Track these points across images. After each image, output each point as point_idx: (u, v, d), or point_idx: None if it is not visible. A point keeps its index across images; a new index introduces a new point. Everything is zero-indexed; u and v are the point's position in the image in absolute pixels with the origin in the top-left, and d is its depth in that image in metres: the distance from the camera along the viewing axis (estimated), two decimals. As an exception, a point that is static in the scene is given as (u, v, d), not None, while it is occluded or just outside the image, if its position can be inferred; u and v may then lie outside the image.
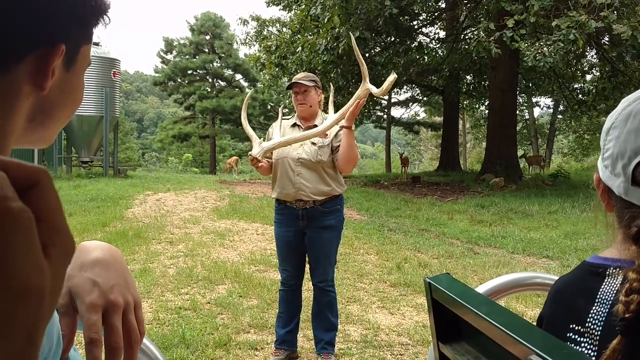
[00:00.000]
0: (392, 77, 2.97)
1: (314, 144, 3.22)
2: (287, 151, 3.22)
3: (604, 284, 0.85)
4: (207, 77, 34.54)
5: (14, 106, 0.59)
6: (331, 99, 3.33)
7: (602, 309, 0.83)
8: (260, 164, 3.12)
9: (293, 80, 3.34)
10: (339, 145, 3.21)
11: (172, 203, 10.20)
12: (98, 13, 0.65)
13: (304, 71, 12.25)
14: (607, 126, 0.88)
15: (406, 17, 14.50)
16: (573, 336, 0.85)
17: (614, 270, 0.84)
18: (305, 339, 3.78)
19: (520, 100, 25.13)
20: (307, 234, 3.29)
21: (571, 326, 0.86)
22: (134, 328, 0.68)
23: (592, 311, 0.84)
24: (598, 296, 0.84)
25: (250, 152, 3.12)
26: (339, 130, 3.20)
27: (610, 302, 0.82)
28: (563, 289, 0.94)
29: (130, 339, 0.67)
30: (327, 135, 3.21)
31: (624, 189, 0.83)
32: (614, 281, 0.84)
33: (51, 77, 0.60)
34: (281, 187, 3.26)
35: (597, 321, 0.83)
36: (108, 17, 0.67)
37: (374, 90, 3.03)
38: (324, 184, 3.24)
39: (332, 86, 3.85)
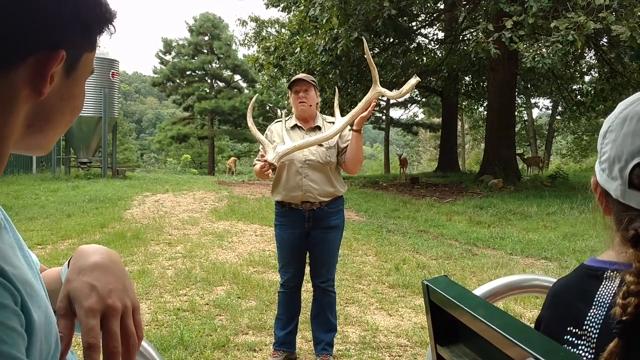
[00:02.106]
0: (415, 80, 2.91)
1: (320, 145, 3.21)
2: (293, 153, 3.19)
3: (602, 286, 0.85)
4: (206, 78, 34.52)
5: (12, 110, 0.59)
6: (336, 102, 3.33)
7: (600, 311, 0.83)
8: (274, 170, 3.06)
9: (295, 78, 3.34)
10: (345, 147, 3.22)
11: (170, 204, 10.20)
12: (103, 22, 0.65)
13: (302, 72, 12.28)
14: (603, 130, 0.89)
15: (405, 18, 14.52)
16: (570, 339, 0.85)
17: (612, 273, 0.85)
18: (303, 340, 3.78)
19: (519, 101, 25.19)
20: (311, 235, 3.28)
21: (569, 329, 0.86)
22: (132, 332, 0.67)
23: (589, 314, 0.84)
24: (595, 299, 0.84)
25: (265, 158, 3.03)
26: (343, 132, 3.20)
27: (607, 304, 0.82)
28: (561, 291, 0.94)
29: (128, 343, 0.67)
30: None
31: (621, 192, 0.84)
32: (612, 284, 0.84)
33: (50, 83, 0.60)
34: (287, 189, 3.23)
35: (594, 324, 0.83)
36: (113, 26, 0.66)
37: (388, 93, 3.02)
38: (329, 185, 3.24)
39: (336, 89, 3.83)
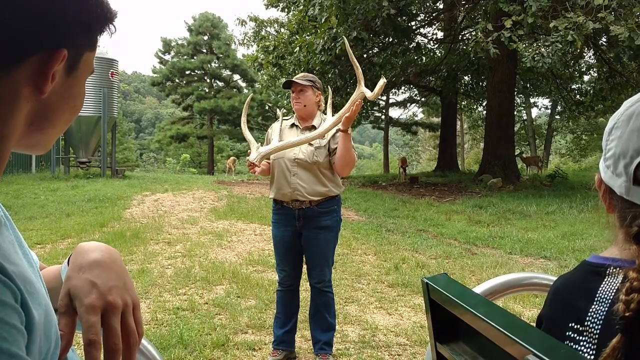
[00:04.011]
0: (382, 81, 2.97)
1: (310, 144, 3.23)
2: (284, 152, 3.24)
3: (604, 283, 0.85)
4: (205, 78, 34.50)
5: (14, 108, 0.59)
6: (330, 101, 3.33)
7: (601, 308, 0.83)
8: (258, 169, 3.17)
9: (287, 80, 3.39)
10: (336, 147, 3.21)
11: (169, 203, 10.19)
12: (104, 21, 0.65)
13: (302, 71, 12.28)
14: (609, 126, 0.89)
15: (404, 17, 14.48)
16: (572, 335, 0.86)
17: (614, 270, 0.85)
18: (303, 339, 3.78)
19: (518, 100, 25.18)
20: (303, 235, 3.29)
21: (570, 325, 0.86)
22: (133, 329, 0.68)
23: (591, 310, 0.84)
24: (597, 295, 0.85)
25: (247, 157, 3.16)
26: (336, 132, 3.20)
27: (609, 301, 0.82)
28: (562, 288, 0.94)
29: (128, 340, 0.67)
30: (324, 136, 3.21)
31: (625, 189, 0.84)
32: (614, 280, 0.84)
33: (51, 81, 0.60)
34: (278, 187, 3.28)
35: (596, 320, 0.83)
36: (114, 26, 0.66)
37: (367, 93, 3.03)
38: (320, 185, 3.24)
39: (330, 88, 3.83)
